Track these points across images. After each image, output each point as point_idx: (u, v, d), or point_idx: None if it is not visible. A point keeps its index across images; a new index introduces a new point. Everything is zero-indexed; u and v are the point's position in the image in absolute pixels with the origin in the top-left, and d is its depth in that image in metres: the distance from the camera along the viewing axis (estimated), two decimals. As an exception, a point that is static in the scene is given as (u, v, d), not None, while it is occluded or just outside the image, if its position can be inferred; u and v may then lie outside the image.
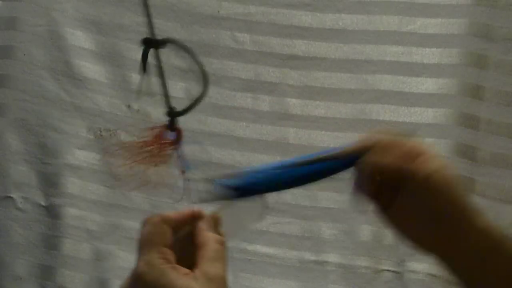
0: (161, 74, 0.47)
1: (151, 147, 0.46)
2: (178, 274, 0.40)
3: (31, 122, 0.85)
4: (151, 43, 0.46)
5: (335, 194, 0.80)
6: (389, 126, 0.80)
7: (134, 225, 0.84)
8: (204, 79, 0.46)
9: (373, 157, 0.47)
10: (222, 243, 0.44)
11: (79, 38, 0.85)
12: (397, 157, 0.45)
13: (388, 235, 0.79)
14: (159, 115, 0.85)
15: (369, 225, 0.80)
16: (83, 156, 0.84)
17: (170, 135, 0.46)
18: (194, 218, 0.47)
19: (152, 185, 0.46)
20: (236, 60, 0.83)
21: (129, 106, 0.85)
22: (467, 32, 0.78)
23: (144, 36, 0.85)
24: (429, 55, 0.79)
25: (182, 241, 0.45)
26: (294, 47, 0.82)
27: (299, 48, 0.82)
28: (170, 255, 0.42)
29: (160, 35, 0.85)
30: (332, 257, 0.80)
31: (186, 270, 0.41)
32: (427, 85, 0.79)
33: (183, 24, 0.84)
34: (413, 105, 0.79)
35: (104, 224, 0.84)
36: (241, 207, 0.51)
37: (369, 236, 0.80)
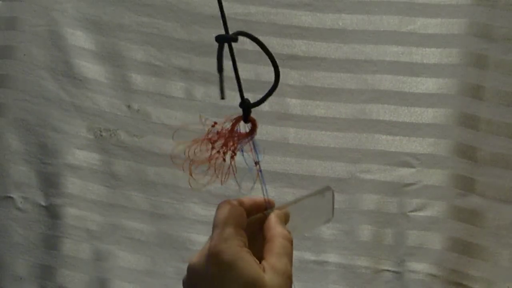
0: (235, 66, 0.47)
1: (224, 140, 0.46)
2: (252, 260, 0.40)
3: (31, 122, 0.85)
4: (224, 39, 0.47)
5: (335, 194, 0.80)
6: (389, 126, 0.80)
7: (134, 225, 0.84)
8: (276, 70, 0.47)
9: None
10: (290, 241, 0.45)
11: (79, 38, 0.85)
12: None
13: (388, 235, 0.80)
14: (159, 115, 0.85)
15: (369, 225, 0.80)
16: (83, 156, 0.84)
17: (244, 127, 0.47)
18: (266, 207, 0.47)
19: (223, 177, 0.46)
20: (236, 60, 0.83)
21: (129, 106, 0.85)
22: (467, 32, 0.78)
23: (144, 36, 0.85)
24: (429, 55, 0.79)
25: (252, 227, 0.45)
26: (294, 47, 0.82)
27: (299, 48, 0.82)
28: (245, 237, 0.42)
29: (160, 34, 0.85)
30: (332, 257, 0.80)
31: (255, 259, 0.41)
32: (427, 85, 0.79)
33: (183, 24, 0.84)
34: (413, 105, 0.79)
35: (104, 224, 0.84)
36: (311, 207, 0.50)
37: (369, 236, 0.80)
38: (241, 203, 0.45)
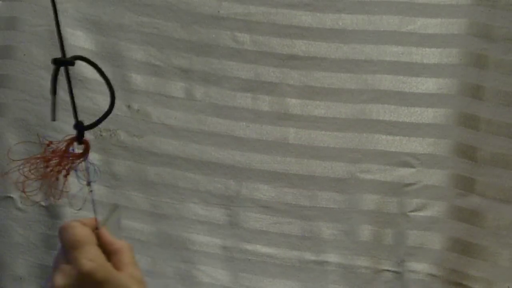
0: (70, 90, 0.48)
1: (58, 160, 0.47)
2: (120, 275, 0.42)
3: (31, 122, 0.85)
4: (60, 63, 0.48)
5: (335, 194, 0.81)
6: (389, 126, 0.80)
7: (134, 225, 0.84)
8: (111, 93, 0.48)
9: None
10: (132, 249, 0.47)
11: (79, 38, 0.85)
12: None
13: (388, 235, 0.80)
14: (159, 115, 0.85)
15: (369, 225, 0.80)
16: (83, 156, 0.84)
17: (78, 148, 0.48)
18: (96, 226, 0.49)
19: (55, 196, 0.48)
20: (236, 60, 0.83)
21: (129, 106, 0.85)
22: (467, 32, 0.78)
23: (144, 36, 0.85)
24: (429, 55, 0.79)
25: None
26: (294, 47, 0.82)
27: (299, 48, 0.82)
28: (103, 254, 0.44)
29: (160, 35, 0.85)
30: (332, 257, 0.80)
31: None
32: (427, 85, 0.79)
33: (183, 24, 0.84)
34: (413, 105, 0.79)
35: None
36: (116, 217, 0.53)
37: (369, 236, 0.80)
38: (86, 224, 0.47)
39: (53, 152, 0.47)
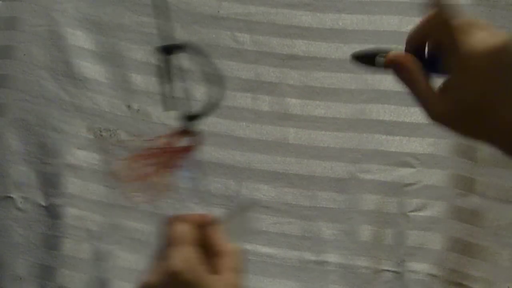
0: (171, 79, 0.45)
1: (167, 153, 0.44)
2: (214, 277, 0.40)
3: (31, 122, 0.85)
4: (168, 50, 0.45)
5: (335, 194, 0.81)
6: (389, 126, 0.80)
7: (134, 225, 0.84)
8: (220, 81, 0.45)
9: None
10: (241, 254, 0.44)
11: (79, 38, 0.85)
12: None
13: (388, 235, 0.80)
14: (159, 115, 0.85)
15: (369, 225, 0.80)
16: (83, 156, 0.84)
17: (186, 140, 0.45)
18: (207, 223, 0.46)
19: (161, 192, 0.45)
20: (236, 60, 0.83)
21: (129, 106, 0.85)
22: (467, 32, 0.78)
23: (144, 36, 0.85)
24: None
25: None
26: (294, 47, 0.82)
27: (299, 48, 0.82)
28: (200, 255, 0.42)
29: (160, 35, 0.85)
30: (332, 257, 0.80)
31: (214, 276, 0.41)
32: (427, 85, 0.79)
33: (183, 24, 0.84)
34: (413, 105, 0.79)
35: (104, 224, 0.84)
36: (242, 217, 0.50)
37: (369, 236, 0.80)
38: (191, 221, 0.45)
39: (156, 148, 0.44)
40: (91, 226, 0.84)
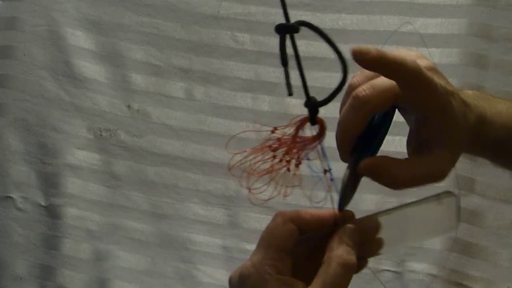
0: (298, 62, 0.41)
1: (288, 147, 0.40)
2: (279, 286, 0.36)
3: (31, 122, 0.85)
4: (285, 29, 0.40)
5: (335, 194, 0.80)
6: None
7: (134, 225, 0.84)
8: (344, 65, 0.40)
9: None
10: (347, 267, 0.38)
11: (79, 38, 0.85)
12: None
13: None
14: (159, 115, 0.85)
15: (369, 225, 0.80)
16: (83, 156, 0.84)
17: (311, 129, 0.40)
18: (335, 222, 0.41)
19: (285, 190, 0.41)
20: (236, 60, 0.83)
21: (129, 106, 0.85)
22: (467, 32, 0.78)
23: (144, 36, 0.85)
24: (429, 55, 0.79)
25: (312, 245, 0.39)
26: (294, 47, 0.82)
27: (299, 48, 0.82)
28: (284, 261, 0.37)
29: (160, 35, 0.85)
30: (332, 257, 0.80)
31: (295, 284, 0.36)
32: (427, 85, 0.79)
33: (183, 24, 0.84)
34: (413, 105, 0.79)
35: (104, 224, 0.84)
36: (417, 217, 0.44)
37: (369, 236, 0.80)
38: (297, 217, 0.40)
39: (279, 140, 0.40)
40: (91, 226, 0.84)
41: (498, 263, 0.77)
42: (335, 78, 0.89)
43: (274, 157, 0.40)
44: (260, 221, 0.82)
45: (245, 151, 0.40)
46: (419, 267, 0.78)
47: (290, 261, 0.37)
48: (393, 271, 0.79)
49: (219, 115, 0.83)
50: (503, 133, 0.41)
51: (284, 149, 0.40)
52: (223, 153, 0.83)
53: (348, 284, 0.38)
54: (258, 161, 0.39)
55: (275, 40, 0.90)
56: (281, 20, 0.90)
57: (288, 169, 0.41)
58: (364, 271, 0.83)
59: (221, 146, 0.82)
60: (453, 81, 0.78)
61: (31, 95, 0.85)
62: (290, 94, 0.41)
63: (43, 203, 0.84)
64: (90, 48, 0.85)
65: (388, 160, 0.41)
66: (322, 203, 0.42)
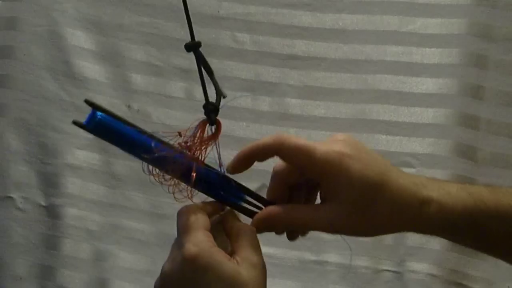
0: (199, 72, 0.49)
1: (196, 148, 0.45)
2: (226, 257, 0.41)
3: (31, 122, 0.85)
4: (193, 46, 0.46)
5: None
6: (389, 126, 0.80)
7: (134, 225, 0.84)
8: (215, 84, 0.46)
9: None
10: (255, 232, 0.45)
11: (79, 38, 0.85)
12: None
13: (388, 235, 0.79)
14: (159, 115, 0.85)
15: (369, 225, 0.80)
16: (83, 156, 0.84)
17: (210, 130, 0.46)
18: (222, 208, 0.47)
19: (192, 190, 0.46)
20: (236, 60, 0.83)
21: (129, 106, 0.85)
22: (467, 32, 0.78)
23: (144, 36, 0.85)
24: (429, 55, 0.79)
25: (212, 230, 0.45)
26: (294, 47, 0.82)
27: (299, 48, 0.82)
28: (213, 239, 0.42)
29: (160, 35, 0.85)
30: (332, 257, 0.80)
31: (228, 255, 0.41)
32: (427, 85, 0.79)
33: (183, 24, 0.84)
34: (413, 105, 0.79)
35: (104, 224, 0.84)
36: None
37: (369, 236, 0.80)
38: (202, 208, 0.46)
39: (185, 142, 0.45)
40: (91, 226, 0.84)
41: (498, 263, 0.76)
42: (335, 78, 0.89)
43: (183, 158, 0.44)
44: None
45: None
46: (419, 267, 0.78)
47: (213, 240, 0.43)
48: (393, 271, 0.79)
49: (219, 115, 0.83)
50: (452, 214, 0.43)
51: (193, 148, 0.45)
52: (223, 153, 0.83)
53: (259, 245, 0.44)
54: (172, 164, 0.44)
55: (275, 40, 0.91)
56: (282, 20, 0.90)
57: (203, 164, 0.46)
58: (364, 271, 0.83)
59: (221, 146, 0.82)
60: (453, 81, 0.79)
61: (31, 95, 0.85)
62: (224, 96, 0.48)
63: (43, 203, 0.84)
64: (90, 48, 0.85)
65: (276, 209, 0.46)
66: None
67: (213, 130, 0.47)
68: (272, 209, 0.46)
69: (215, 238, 0.43)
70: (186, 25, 0.83)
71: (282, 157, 0.46)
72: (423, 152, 0.79)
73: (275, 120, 0.82)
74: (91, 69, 0.85)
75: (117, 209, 0.84)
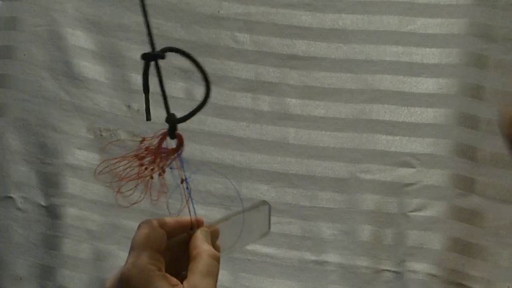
0: (161, 86, 0.45)
1: (151, 157, 0.44)
2: (165, 284, 0.40)
3: (31, 122, 0.85)
4: (151, 57, 0.45)
5: (335, 194, 0.81)
6: (389, 126, 0.80)
7: (134, 225, 0.83)
8: (206, 84, 0.45)
9: None
10: (217, 259, 0.43)
11: (79, 38, 0.85)
12: None
13: (388, 235, 0.80)
14: (159, 115, 0.85)
15: (369, 225, 0.80)
16: (83, 156, 0.84)
17: (171, 143, 0.45)
18: (192, 227, 0.46)
19: (154, 196, 0.45)
20: (236, 60, 0.83)
21: (129, 106, 0.85)
22: (467, 32, 0.78)
23: (144, 36, 0.85)
24: (429, 55, 0.79)
25: (176, 248, 0.44)
26: (294, 47, 0.82)
27: (299, 48, 0.82)
28: (161, 261, 0.41)
29: (160, 35, 0.85)
30: (332, 257, 0.80)
31: (175, 281, 0.40)
32: (427, 85, 0.79)
33: (183, 24, 0.84)
34: (413, 105, 0.79)
35: (104, 224, 0.84)
36: (245, 223, 0.50)
37: (369, 236, 0.80)
38: (162, 224, 0.44)
39: (146, 149, 0.45)
40: (91, 226, 0.84)
41: (498, 263, 0.77)
42: (335, 78, 0.89)
43: (142, 165, 0.44)
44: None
45: (115, 158, 0.45)
46: (419, 267, 0.78)
47: (163, 262, 0.42)
48: (393, 271, 0.79)
49: (219, 115, 0.83)
50: None
51: (150, 158, 0.44)
52: (223, 153, 0.83)
53: (218, 272, 0.43)
54: (126, 168, 0.44)
55: (275, 40, 0.91)
56: (282, 20, 0.90)
57: (151, 177, 0.45)
58: (364, 271, 0.83)
59: (221, 146, 0.83)
60: (453, 81, 0.79)
61: (31, 95, 0.85)
62: (149, 119, 0.48)
63: (43, 203, 0.84)
64: (90, 48, 0.85)
65: None
66: (179, 210, 0.47)
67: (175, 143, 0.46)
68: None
69: (176, 258, 0.42)
70: (186, 25, 0.84)
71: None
72: (423, 152, 0.79)
73: (275, 120, 0.82)
74: (91, 69, 0.85)
75: (117, 209, 0.84)
